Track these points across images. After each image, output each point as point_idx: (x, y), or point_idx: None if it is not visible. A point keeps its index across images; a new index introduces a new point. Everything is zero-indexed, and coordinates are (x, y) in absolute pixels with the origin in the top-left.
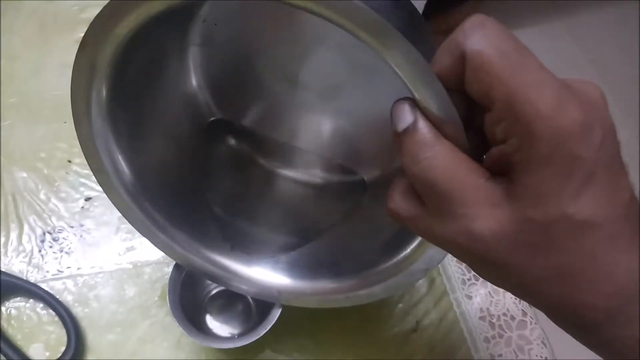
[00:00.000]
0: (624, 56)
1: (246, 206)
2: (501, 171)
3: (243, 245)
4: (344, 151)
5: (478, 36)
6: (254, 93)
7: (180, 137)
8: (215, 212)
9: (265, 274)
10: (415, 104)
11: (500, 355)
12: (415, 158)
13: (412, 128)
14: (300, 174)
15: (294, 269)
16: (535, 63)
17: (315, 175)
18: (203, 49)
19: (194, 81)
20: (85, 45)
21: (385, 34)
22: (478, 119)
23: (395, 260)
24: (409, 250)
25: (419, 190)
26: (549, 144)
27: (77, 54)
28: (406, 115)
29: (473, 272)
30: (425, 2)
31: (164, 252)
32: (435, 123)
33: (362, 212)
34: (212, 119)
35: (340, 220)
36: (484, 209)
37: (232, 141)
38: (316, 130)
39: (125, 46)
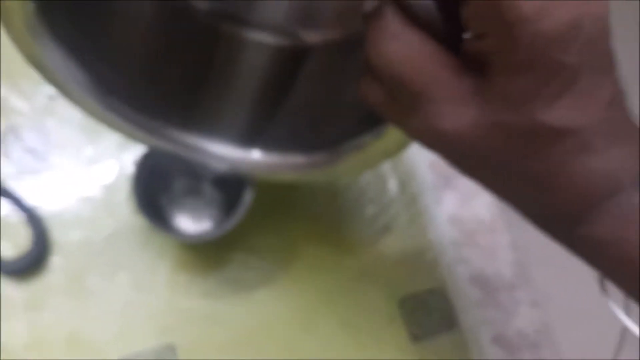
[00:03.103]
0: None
1: (210, 77)
2: (476, 65)
3: (212, 119)
4: (307, 10)
5: None
6: None
7: (136, 18)
8: (180, 89)
9: (237, 149)
10: None
11: (468, 258)
12: (378, 49)
13: (377, 13)
14: (263, 35)
15: (267, 142)
16: None
17: (277, 37)
18: None
19: None
20: None
21: None
22: (455, 5)
23: (371, 133)
24: (385, 124)
25: (383, 82)
26: (529, 50)
27: None
28: None
29: (445, 177)
30: None
31: (127, 137)
32: (404, 8)
33: (331, 79)
34: None
35: (307, 86)
36: (451, 106)
37: (192, 12)
38: None
39: None
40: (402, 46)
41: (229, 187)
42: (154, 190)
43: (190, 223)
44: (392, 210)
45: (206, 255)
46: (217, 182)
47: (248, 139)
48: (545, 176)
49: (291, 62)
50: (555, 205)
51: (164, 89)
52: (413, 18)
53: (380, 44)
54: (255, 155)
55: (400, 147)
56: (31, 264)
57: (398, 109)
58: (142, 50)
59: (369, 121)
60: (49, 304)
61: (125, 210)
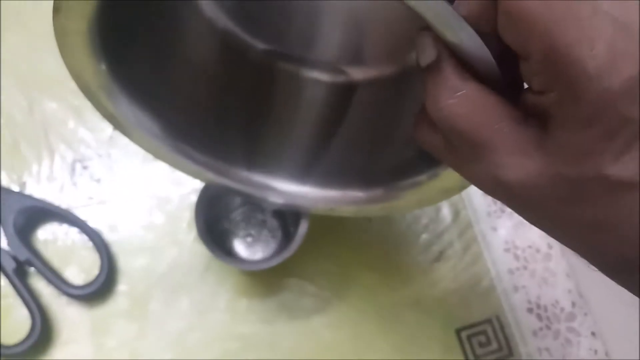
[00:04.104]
0: None
1: (269, 115)
2: (536, 115)
3: (273, 157)
4: (356, 49)
5: None
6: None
7: (200, 65)
8: (242, 128)
9: (297, 185)
10: (439, 37)
11: (524, 286)
12: (437, 103)
13: (435, 67)
14: (317, 73)
15: (324, 177)
16: (587, 8)
17: (330, 75)
18: None
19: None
20: (60, 10)
21: None
22: (514, 57)
23: (429, 172)
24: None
25: (442, 132)
26: (594, 106)
27: (54, 22)
28: (428, 50)
29: (499, 205)
30: None
31: (192, 177)
32: (462, 59)
33: (384, 113)
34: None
35: (361, 121)
36: (513, 158)
37: (251, 54)
38: (332, 26)
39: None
40: (462, 100)
41: (286, 214)
42: (215, 218)
43: (249, 249)
44: (446, 238)
45: (264, 281)
46: (275, 210)
47: (306, 175)
48: (610, 225)
49: (344, 97)
50: (620, 252)
51: (227, 130)
52: (471, 70)
53: (439, 98)
54: (315, 190)
55: (460, 187)
56: (99, 289)
57: (457, 157)
58: (205, 94)
59: (427, 157)
60: (112, 328)
61: (187, 238)
